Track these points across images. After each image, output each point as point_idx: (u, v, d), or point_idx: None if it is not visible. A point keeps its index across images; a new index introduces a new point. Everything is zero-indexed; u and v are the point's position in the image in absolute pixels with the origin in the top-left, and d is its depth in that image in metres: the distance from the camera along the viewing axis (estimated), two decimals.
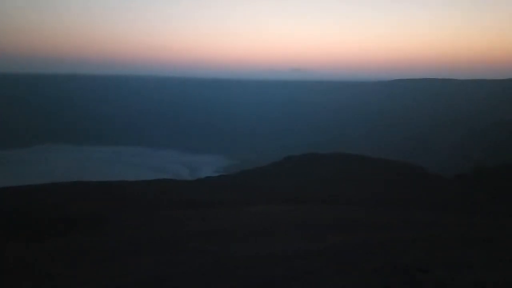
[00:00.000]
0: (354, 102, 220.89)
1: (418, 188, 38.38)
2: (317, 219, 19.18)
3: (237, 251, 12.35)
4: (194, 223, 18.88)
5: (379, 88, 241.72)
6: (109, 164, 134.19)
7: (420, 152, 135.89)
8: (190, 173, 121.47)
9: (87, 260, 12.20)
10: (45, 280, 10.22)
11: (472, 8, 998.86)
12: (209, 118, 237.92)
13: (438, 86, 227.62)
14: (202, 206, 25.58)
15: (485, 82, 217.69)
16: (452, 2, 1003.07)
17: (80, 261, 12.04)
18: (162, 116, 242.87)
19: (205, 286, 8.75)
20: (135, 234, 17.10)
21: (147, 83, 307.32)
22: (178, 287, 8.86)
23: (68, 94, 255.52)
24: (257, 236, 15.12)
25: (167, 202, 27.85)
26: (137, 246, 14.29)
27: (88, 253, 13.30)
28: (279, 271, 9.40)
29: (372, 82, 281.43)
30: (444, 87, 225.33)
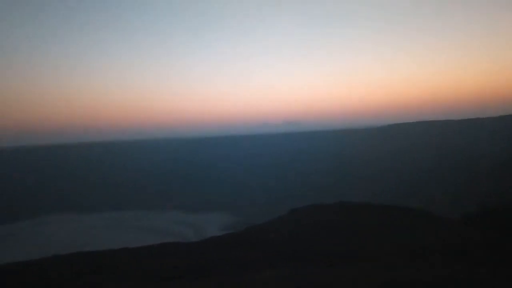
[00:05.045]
0: (352, 148, 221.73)
1: (433, 234, 37.01)
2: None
3: None
4: None
5: (375, 134, 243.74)
6: (113, 231, 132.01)
7: (419, 195, 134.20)
8: (195, 234, 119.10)
9: None
10: None
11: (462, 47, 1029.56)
12: (209, 176, 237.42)
13: (435, 128, 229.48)
14: (203, 275, 24.56)
15: (481, 121, 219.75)
16: (442, 39, 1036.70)
17: None
18: (163, 178, 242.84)
19: None
20: None
21: (141, 147, 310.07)
22: None
23: (66, 163, 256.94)
24: None
25: (170, 270, 26.82)
26: None
27: None
28: None
29: (368, 128, 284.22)
30: (438, 128, 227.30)
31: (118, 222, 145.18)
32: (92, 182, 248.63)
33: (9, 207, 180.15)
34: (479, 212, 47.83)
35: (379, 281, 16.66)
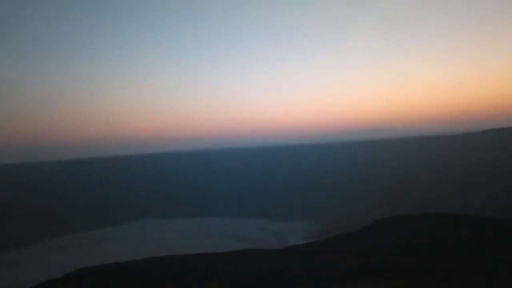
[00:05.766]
0: (441, 156, 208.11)
1: None
2: None
3: None
4: None
5: (466, 141, 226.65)
6: (200, 236, 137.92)
7: None
8: (279, 241, 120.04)
9: None
10: None
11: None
12: (292, 184, 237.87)
13: None
14: (287, 284, 24.91)
15: None
16: None
17: None
18: (246, 186, 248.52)
19: None
20: None
21: (226, 156, 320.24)
22: None
23: (157, 172, 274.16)
24: None
25: (255, 276, 27.59)
26: None
27: None
28: None
29: (455, 135, 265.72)
30: None
31: (205, 228, 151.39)
32: (178, 189, 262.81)
33: (104, 212, 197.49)
34: None
35: None
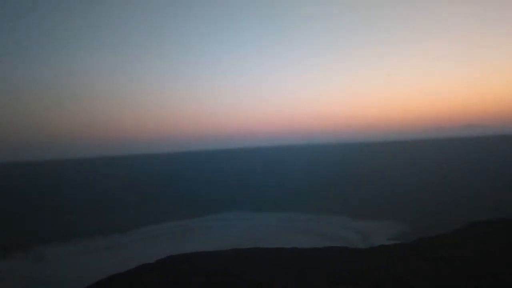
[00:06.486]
0: None
1: None
2: None
3: None
4: None
5: None
6: (283, 230, 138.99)
7: None
8: (363, 241, 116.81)
9: None
10: None
11: None
12: (376, 182, 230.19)
13: None
14: (374, 284, 24.11)
15: None
16: None
17: None
18: (326, 181, 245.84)
19: None
20: None
21: (310, 151, 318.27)
22: None
23: (245, 166, 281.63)
24: None
25: (337, 274, 27.13)
26: None
27: None
28: None
29: None
30: None
31: (287, 222, 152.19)
32: (263, 183, 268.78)
33: (194, 204, 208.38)
34: None
35: None
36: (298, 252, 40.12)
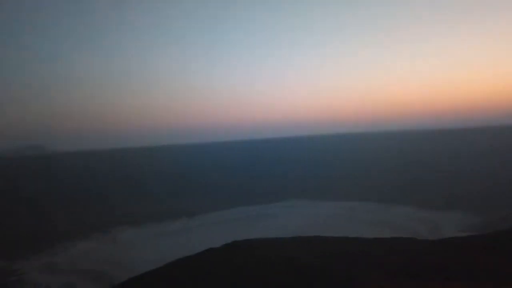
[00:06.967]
0: None
1: None
2: None
3: None
4: None
5: None
6: (346, 219, 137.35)
7: None
8: (430, 232, 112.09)
9: None
10: None
11: None
12: (445, 169, 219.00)
13: None
14: (440, 277, 23.31)
15: None
16: None
17: None
18: (394, 171, 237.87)
19: None
20: None
21: (371, 139, 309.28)
22: None
23: (306, 154, 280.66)
24: None
25: (402, 265, 26.52)
26: None
27: None
28: None
29: None
30: None
31: (350, 211, 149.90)
32: (324, 173, 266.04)
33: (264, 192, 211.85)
34: None
35: None
36: (359, 241, 39.61)
